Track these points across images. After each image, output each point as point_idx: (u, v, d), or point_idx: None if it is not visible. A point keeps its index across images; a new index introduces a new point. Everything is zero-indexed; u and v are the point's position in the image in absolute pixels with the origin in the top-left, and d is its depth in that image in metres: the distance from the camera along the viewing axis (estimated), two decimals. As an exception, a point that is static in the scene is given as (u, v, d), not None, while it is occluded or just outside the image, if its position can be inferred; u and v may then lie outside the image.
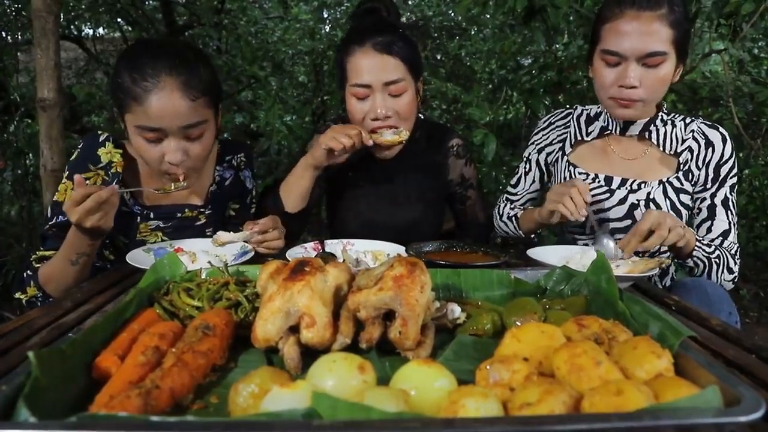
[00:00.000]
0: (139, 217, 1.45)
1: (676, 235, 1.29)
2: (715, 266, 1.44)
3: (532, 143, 1.76)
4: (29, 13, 2.36)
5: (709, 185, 1.53)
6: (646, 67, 1.41)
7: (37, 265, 1.35)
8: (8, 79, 4.13)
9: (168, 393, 0.65)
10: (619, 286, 0.92)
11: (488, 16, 4.23)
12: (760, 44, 4.13)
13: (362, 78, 1.52)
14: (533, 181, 1.76)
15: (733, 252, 1.51)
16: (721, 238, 1.51)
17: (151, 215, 1.46)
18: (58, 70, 2.08)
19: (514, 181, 1.79)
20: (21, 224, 3.80)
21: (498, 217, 1.77)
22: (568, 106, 1.92)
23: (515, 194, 1.78)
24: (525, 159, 1.77)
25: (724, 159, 1.52)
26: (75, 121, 4.55)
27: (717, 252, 1.45)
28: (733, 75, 3.57)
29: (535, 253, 1.32)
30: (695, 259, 1.42)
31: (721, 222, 1.52)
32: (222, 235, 1.33)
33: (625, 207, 1.55)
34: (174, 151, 1.30)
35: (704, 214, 1.54)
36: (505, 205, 1.78)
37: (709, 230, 1.53)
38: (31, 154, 3.89)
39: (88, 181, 1.38)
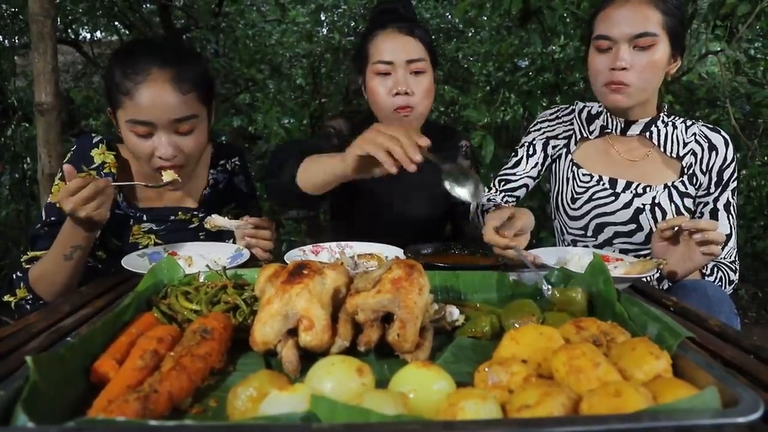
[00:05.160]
0: (132, 220, 1.45)
1: (715, 226, 1.22)
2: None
3: (538, 130, 1.71)
4: (26, 16, 2.36)
5: (712, 189, 1.53)
6: (637, 50, 1.42)
7: (27, 266, 1.34)
8: (6, 83, 4.13)
9: (166, 397, 0.64)
10: (617, 287, 0.92)
11: (485, 18, 4.24)
12: (756, 45, 4.14)
13: (385, 55, 1.56)
14: (535, 165, 1.69)
15: (732, 259, 1.50)
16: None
17: (145, 218, 1.45)
18: (56, 74, 2.08)
19: (511, 163, 1.71)
20: (19, 228, 3.80)
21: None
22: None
23: (513, 174, 1.69)
24: (528, 143, 1.70)
25: (726, 162, 1.52)
26: (73, 125, 4.55)
27: (719, 275, 1.44)
28: (730, 76, 3.58)
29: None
30: None
31: (723, 227, 1.50)
32: (216, 219, 1.34)
33: (630, 211, 1.53)
34: (165, 145, 1.30)
35: (707, 218, 1.52)
36: (491, 189, 1.70)
37: None
38: (28, 158, 3.89)
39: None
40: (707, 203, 1.53)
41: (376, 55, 1.58)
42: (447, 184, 1.11)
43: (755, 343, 0.87)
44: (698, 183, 1.53)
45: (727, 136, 1.54)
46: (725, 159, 1.52)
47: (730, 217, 1.52)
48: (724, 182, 1.52)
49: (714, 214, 1.52)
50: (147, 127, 1.29)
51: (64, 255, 1.25)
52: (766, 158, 3.87)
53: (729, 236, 1.51)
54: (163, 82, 1.27)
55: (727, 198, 1.52)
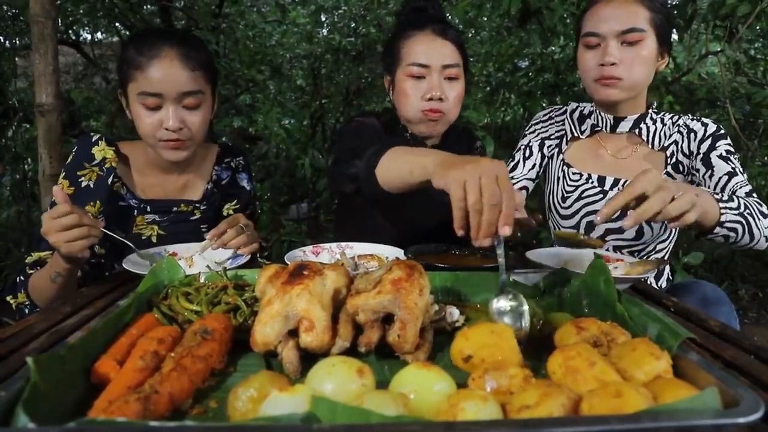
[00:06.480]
0: (135, 210, 1.49)
1: (686, 202, 1.02)
2: (751, 220, 1.22)
3: (533, 132, 1.74)
4: (27, 17, 2.36)
5: (697, 162, 1.48)
6: (625, 46, 1.44)
7: (30, 271, 1.38)
8: (6, 84, 4.14)
9: (167, 398, 0.64)
10: (617, 287, 0.92)
11: (485, 18, 4.24)
12: (756, 45, 4.14)
13: (420, 58, 1.52)
14: (533, 166, 1.71)
15: (748, 190, 1.37)
16: (726, 176, 1.41)
17: (148, 209, 1.51)
18: (57, 75, 2.08)
19: (509, 167, 1.71)
20: (20, 229, 3.81)
21: None
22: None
23: (511, 179, 1.69)
24: (524, 146, 1.73)
25: (707, 134, 1.49)
26: (73, 126, 4.55)
27: (742, 201, 1.23)
28: (730, 76, 3.58)
29: (534, 255, 1.32)
30: (728, 225, 1.19)
31: (722, 168, 1.42)
32: (181, 252, 1.35)
33: None
34: (172, 117, 1.38)
35: (702, 170, 1.46)
36: None
37: (710, 177, 1.44)
38: (29, 159, 3.91)
39: (83, 178, 1.44)
40: (698, 162, 1.47)
41: (410, 56, 1.54)
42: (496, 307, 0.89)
43: (755, 344, 0.88)
44: (684, 168, 1.53)
45: (708, 122, 1.53)
46: (705, 132, 1.49)
47: (730, 163, 1.43)
48: (708, 145, 1.47)
49: (707, 162, 1.45)
50: (156, 99, 1.37)
51: (50, 276, 1.28)
52: (766, 158, 3.87)
53: (732, 173, 1.41)
54: (173, 58, 1.37)
55: (721, 152, 1.45)
